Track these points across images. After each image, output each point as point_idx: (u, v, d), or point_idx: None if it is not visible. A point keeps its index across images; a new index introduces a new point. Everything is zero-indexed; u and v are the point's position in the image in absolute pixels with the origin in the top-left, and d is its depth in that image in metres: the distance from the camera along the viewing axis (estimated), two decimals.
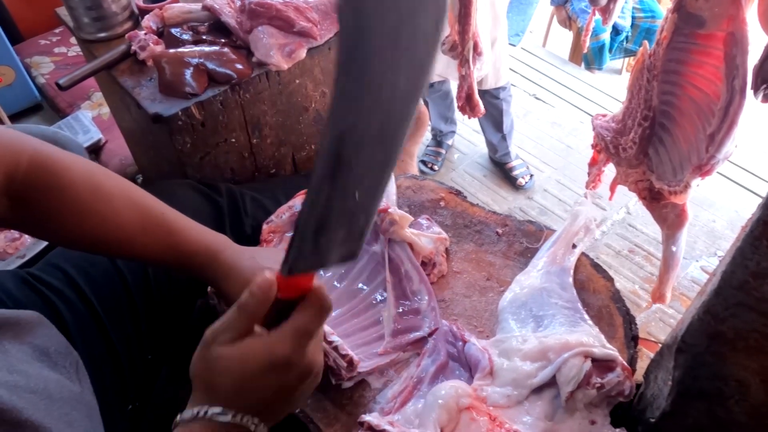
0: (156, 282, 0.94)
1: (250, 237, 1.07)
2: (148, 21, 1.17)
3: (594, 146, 1.04)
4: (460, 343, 0.91)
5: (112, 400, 0.86)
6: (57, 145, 1.31)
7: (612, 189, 1.05)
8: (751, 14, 0.73)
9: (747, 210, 1.91)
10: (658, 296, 0.97)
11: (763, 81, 0.73)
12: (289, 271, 0.50)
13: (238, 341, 0.52)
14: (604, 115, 1.00)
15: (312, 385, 0.57)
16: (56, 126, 1.69)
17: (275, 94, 1.16)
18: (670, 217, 0.93)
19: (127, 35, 1.15)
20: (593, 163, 1.08)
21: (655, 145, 0.88)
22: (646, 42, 0.87)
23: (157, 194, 1.01)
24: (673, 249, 0.93)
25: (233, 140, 1.16)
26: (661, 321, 1.68)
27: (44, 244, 1.14)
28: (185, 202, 1.03)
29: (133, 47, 1.13)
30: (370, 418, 0.79)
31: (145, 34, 1.14)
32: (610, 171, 1.06)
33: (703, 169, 0.79)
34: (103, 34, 1.20)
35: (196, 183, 1.09)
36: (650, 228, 1.90)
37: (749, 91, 0.74)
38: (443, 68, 1.98)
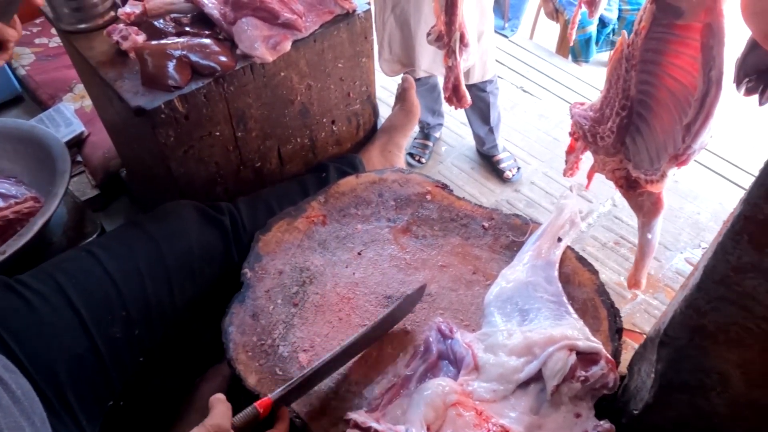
0: (155, 295, 0.99)
1: (246, 246, 1.11)
2: (126, 9, 1.15)
3: (572, 134, 1.04)
4: (449, 341, 0.91)
5: (88, 395, 0.90)
6: (34, 140, 1.31)
7: (589, 177, 1.05)
8: (731, 7, 0.73)
9: (731, 202, 1.93)
10: (633, 282, 0.98)
11: (745, 74, 0.73)
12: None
13: None
14: (582, 104, 1.00)
15: None
16: (37, 119, 1.66)
17: (260, 87, 1.15)
18: (646, 205, 0.94)
19: (105, 31, 1.13)
20: (570, 150, 1.07)
21: (633, 134, 0.88)
22: (624, 32, 0.86)
23: (161, 217, 1.08)
24: (649, 236, 0.94)
25: (218, 133, 1.14)
26: (646, 312, 1.69)
27: (25, 240, 1.12)
28: (191, 225, 1.07)
29: (114, 38, 1.11)
30: (356, 415, 0.79)
31: (125, 25, 1.12)
32: (588, 159, 1.05)
33: (679, 158, 0.79)
34: (83, 26, 1.18)
35: (199, 204, 1.12)
36: (636, 220, 1.92)
37: (727, 84, 0.74)
38: (429, 64, 1.97)
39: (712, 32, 0.69)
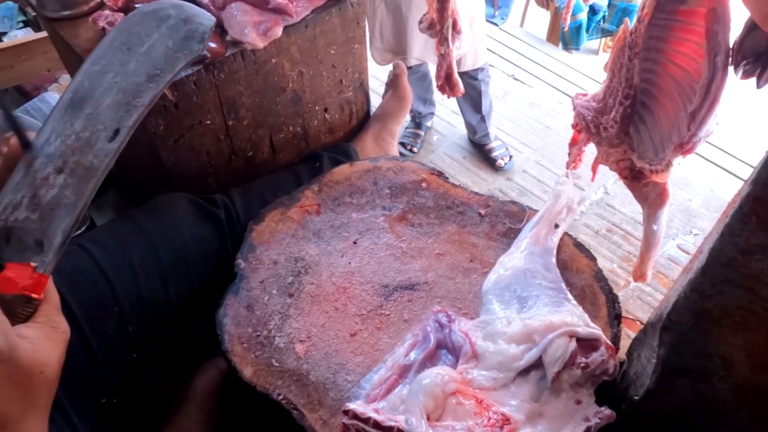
0: (149, 291, 0.97)
1: (241, 238, 1.08)
2: None
3: (574, 126, 1.03)
4: (447, 329, 0.90)
5: (80, 393, 0.88)
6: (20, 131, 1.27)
7: (593, 169, 1.04)
8: None
9: (722, 189, 1.94)
10: (639, 275, 0.97)
11: (743, 57, 0.72)
12: None
13: None
14: (584, 95, 0.99)
15: None
16: (22, 109, 1.63)
17: (251, 74, 1.12)
18: (651, 196, 0.93)
19: (91, 17, 1.10)
20: (573, 143, 1.07)
21: (636, 123, 0.87)
22: (627, 20, 0.85)
23: (155, 211, 1.05)
24: (654, 228, 0.93)
25: (208, 122, 1.12)
26: (639, 299, 1.70)
27: None
28: (186, 219, 1.05)
29: (100, 24, 1.08)
30: (355, 406, 0.78)
31: (111, 11, 1.09)
32: (590, 151, 1.05)
33: (684, 147, 0.78)
34: (67, 12, 1.15)
35: (194, 197, 1.09)
36: (628, 207, 1.92)
37: (731, 69, 0.73)
38: (421, 51, 1.95)
39: (717, 17, 0.68)
